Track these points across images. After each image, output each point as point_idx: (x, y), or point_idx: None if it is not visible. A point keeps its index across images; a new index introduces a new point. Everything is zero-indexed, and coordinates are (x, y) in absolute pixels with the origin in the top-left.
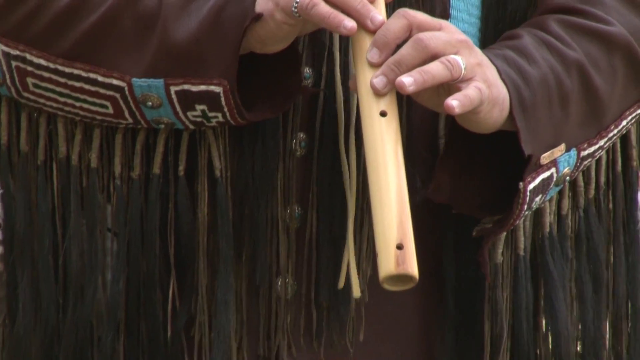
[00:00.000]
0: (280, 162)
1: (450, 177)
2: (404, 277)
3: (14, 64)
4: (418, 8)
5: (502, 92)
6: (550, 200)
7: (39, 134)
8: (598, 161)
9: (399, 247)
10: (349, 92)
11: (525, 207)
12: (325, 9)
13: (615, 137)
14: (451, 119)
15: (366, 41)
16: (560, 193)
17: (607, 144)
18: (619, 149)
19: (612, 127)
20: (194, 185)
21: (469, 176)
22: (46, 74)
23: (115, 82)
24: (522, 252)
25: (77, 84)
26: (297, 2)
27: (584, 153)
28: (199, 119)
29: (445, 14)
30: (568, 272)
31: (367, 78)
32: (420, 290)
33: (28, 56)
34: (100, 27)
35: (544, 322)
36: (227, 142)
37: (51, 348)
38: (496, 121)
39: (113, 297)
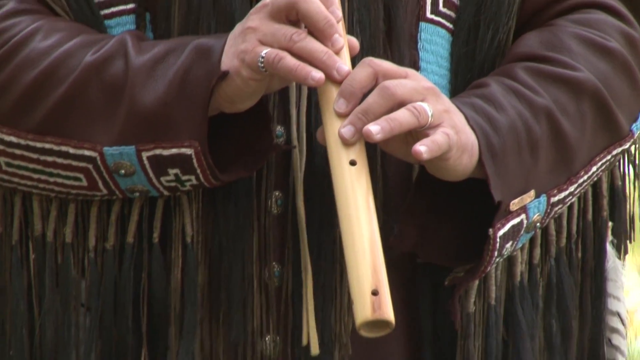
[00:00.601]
0: (255, 221)
1: (416, 225)
2: (380, 323)
3: None
4: (389, 59)
5: (470, 138)
6: (522, 249)
7: (13, 214)
8: (570, 210)
9: (374, 293)
10: (321, 146)
11: (496, 253)
12: (292, 61)
13: (586, 184)
14: (419, 167)
15: (333, 92)
16: (532, 242)
17: (578, 190)
18: (590, 197)
19: (582, 173)
20: (168, 252)
21: (435, 224)
22: (18, 152)
23: (87, 152)
24: (493, 302)
25: (50, 159)
26: (263, 57)
27: (555, 199)
28: (172, 184)
29: (414, 67)
30: (538, 322)
31: (335, 128)
32: (400, 339)
33: None
34: (69, 99)
35: None
36: (200, 206)
37: None
38: (466, 168)
39: None
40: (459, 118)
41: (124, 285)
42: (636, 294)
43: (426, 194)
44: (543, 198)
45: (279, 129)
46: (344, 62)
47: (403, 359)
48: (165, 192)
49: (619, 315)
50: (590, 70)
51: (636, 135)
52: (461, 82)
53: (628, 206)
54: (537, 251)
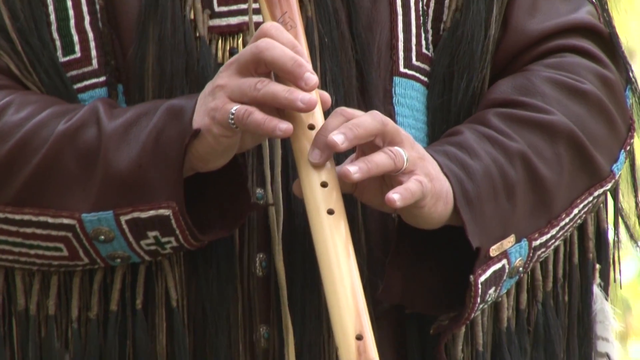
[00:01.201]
0: (239, 285)
1: (401, 276)
2: None
3: None
4: None
5: (444, 185)
6: (508, 295)
7: None
8: (556, 253)
9: (359, 337)
10: (301, 205)
11: (479, 300)
12: (259, 115)
13: (569, 227)
14: (398, 218)
15: (306, 144)
16: (519, 287)
17: (561, 233)
18: (576, 240)
19: (564, 215)
20: (151, 318)
21: (420, 274)
22: None
23: (65, 221)
24: (481, 348)
25: (29, 230)
26: (233, 114)
27: (536, 243)
28: (153, 247)
29: None
30: None
31: (311, 179)
32: None
33: None
34: (44, 169)
35: None
36: (182, 270)
37: None
38: (441, 215)
39: None
40: (433, 166)
41: (109, 353)
42: None
43: (408, 244)
44: (524, 242)
45: (259, 191)
46: (306, 93)
47: None
48: (147, 257)
49: (608, 356)
50: (565, 113)
51: (617, 176)
52: (438, 134)
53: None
54: (524, 296)
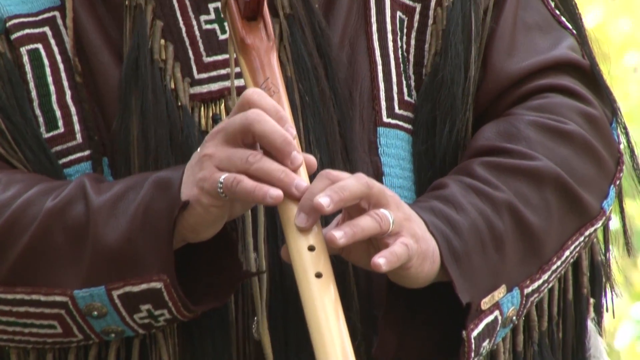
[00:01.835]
0: (235, 351)
1: (395, 332)
2: None
3: None
4: (350, 170)
5: (431, 245)
6: (504, 339)
7: None
8: (550, 292)
9: None
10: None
11: (473, 354)
12: (249, 183)
13: (560, 269)
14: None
15: (293, 209)
16: (515, 329)
17: (553, 276)
18: (570, 277)
19: (555, 259)
20: None
21: (414, 329)
22: None
23: (58, 298)
24: None
25: (22, 309)
26: (221, 183)
27: (528, 290)
28: (146, 321)
29: (377, 173)
30: None
31: (298, 243)
32: None
33: None
34: (33, 247)
35: None
36: (176, 342)
37: None
38: (428, 275)
39: None
40: (419, 225)
41: None
42: None
43: (400, 300)
44: (516, 291)
45: (255, 257)
46: (301, 179)
47: None
48: (140, 331)
49: None
50: (550, 156)
51: (608, 212)
52: (424, 180)
53: None
54: (520, 338)
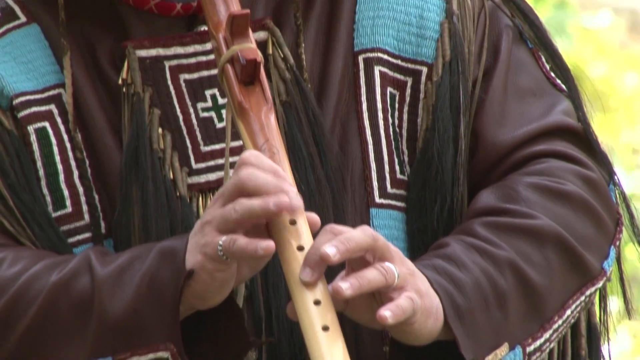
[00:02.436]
0: None
1: None
2: None
3: None
4: None
5: (434, 301)
6: None
7: None
8: (550, 354)
9: None
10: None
11: None
12: (243, 241)
13: (562, 328)
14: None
15: (295, 265)
16: None
17: (555, 335)
18: (569, 338)
19: (556, 318)
20: None
21: None
22: None
23: None
24: None
25: None
26: (221, 245)
27: (530, 348)
28: None
29: None
30: None
31: (303, 298)
32: None
33: None
34: (39, 321)
35: None
36: None
37: None
38: (431, 331)
39: None
40: (422, 282)
41: None
42: None
43: (403, 357)
44: (518, 349)
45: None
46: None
47: None
48: None
49: None
50: (550, 216)
51: (609, 273)
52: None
53: None
54: None
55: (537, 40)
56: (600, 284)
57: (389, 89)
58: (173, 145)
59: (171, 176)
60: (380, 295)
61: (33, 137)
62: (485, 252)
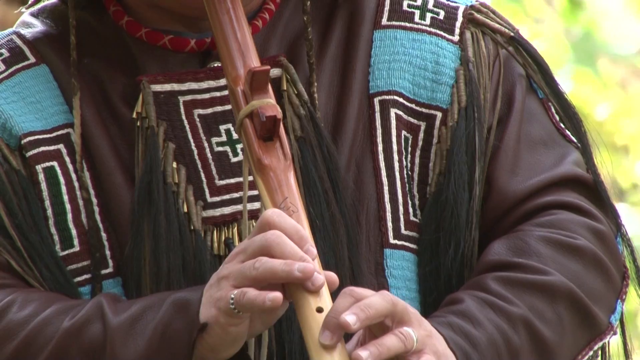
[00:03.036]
0: None
1: None
2: None
3: None
4: None
5: None
6: None
7: None
8: None
9: None
10: None
11: None
12: (253, 293)
13: None
14: None
15: (315, 326)
16: None
17: None
18: None
19: None
20: None
21: None
22: None
23: None
24: None
25: None
26: (232, 298)
27: None
28: None
29: None
30: None
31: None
32: None
33: None
34: None
35: None
36: None
37: None
38: None
39: None
40: (439, 342)
41: None
42: None
43: None
44: None
45: None
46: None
47: None
48: None
49: None
50: (561, 271)
51: (615, 327)
52: (430, 301)
53: None
54: None
55: (549, 91)
56: (607, 338)
57: (404, 132)
58: (187, 179)
59: (185, 210)
60: (399, 358)
61: (41, 176)
62: (499, 309)
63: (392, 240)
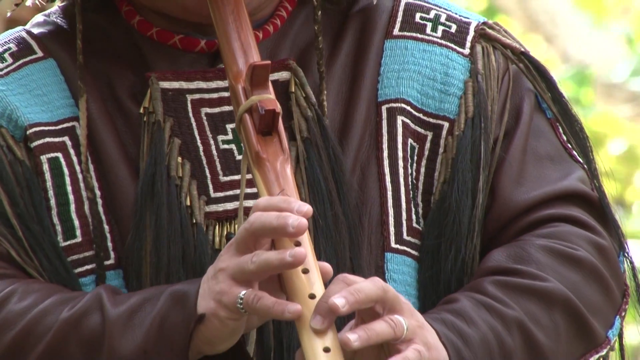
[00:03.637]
0: None
1: None
2: None
3: None
4: None
5: (442, 354)
6: None
7: None
8: None
9: None
10: None
11: None
12: (269, 300)
13: None
14: None
15: (307, 312)
16: None
17: None
18: None
19: None
20: None
21: None
22: None
23: None
24: None
25: None
26: (241, 298)
27: None
28: None
29: None
30: None
31: (313, 345)
32: None
33: None
34: (48, 357)
35: None
36: None
37: None
38: None
39: None
40: (431, 334)
41: None
42: None
43: None
44: None
45: None
46: (317, 284)
47: None
48: None
49: None
50: (560, 280)
51: (612, 342)
52: (429, 307)
53: None
54: None
55: (558, 109)
56: (604, 352)
57: (410, 140)
58: (192, 174)
59: (188, 204)
60: (389, 346)
61: (45, 167)
62: (494, 310)
63: (393, 245)
